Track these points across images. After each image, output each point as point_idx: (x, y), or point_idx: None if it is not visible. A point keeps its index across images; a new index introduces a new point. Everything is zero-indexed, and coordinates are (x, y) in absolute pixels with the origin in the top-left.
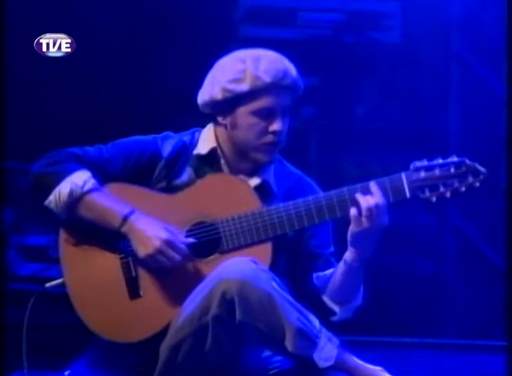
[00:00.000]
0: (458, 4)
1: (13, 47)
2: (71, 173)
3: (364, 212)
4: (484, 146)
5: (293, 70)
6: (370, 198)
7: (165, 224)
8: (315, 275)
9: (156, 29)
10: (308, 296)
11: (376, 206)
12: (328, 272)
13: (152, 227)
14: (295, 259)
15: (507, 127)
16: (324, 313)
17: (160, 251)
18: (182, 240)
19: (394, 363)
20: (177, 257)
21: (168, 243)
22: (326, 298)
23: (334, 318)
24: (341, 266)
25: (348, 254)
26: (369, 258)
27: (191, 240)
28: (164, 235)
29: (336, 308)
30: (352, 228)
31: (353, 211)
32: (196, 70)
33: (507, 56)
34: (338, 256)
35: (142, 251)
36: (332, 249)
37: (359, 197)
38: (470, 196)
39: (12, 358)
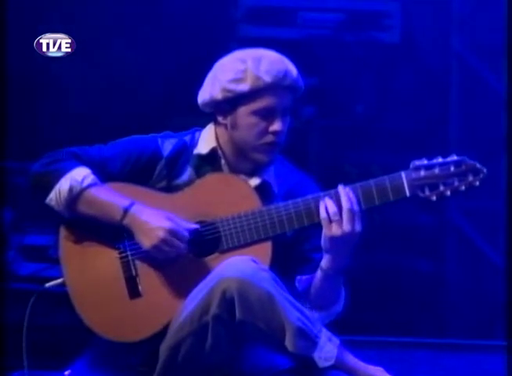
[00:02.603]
0: (458, 3)
1: (13, 47)
2: (70, 170)
3: (332, 217)
4: (485, 145)
5: (293, 70)
6: (345, 202)
7: (167, 213)
8: (298, 278)
9: (157, 28)
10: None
11: (348, 211)
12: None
13: (154, 217)
14: (287, 260)
15: (507, 126)
16: None
17: (164, 241)
18: (186, 226)
19: (394, 363)
20: (182, 245)
21: (172, 232)
22: (306, 302)
23: None
24: (319, 272)
25: (323, 261)
26: (344, 266)
27: (194, 225)
28: (167, 224)
29: (316, 313)
30: (324, 232)
31: (323, 214)
32: (196, 70)
33: (507, 56)
34: None
35: (146, 242)
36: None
37: (328, 201)
38: (470, 195)
39: (12, 358)
